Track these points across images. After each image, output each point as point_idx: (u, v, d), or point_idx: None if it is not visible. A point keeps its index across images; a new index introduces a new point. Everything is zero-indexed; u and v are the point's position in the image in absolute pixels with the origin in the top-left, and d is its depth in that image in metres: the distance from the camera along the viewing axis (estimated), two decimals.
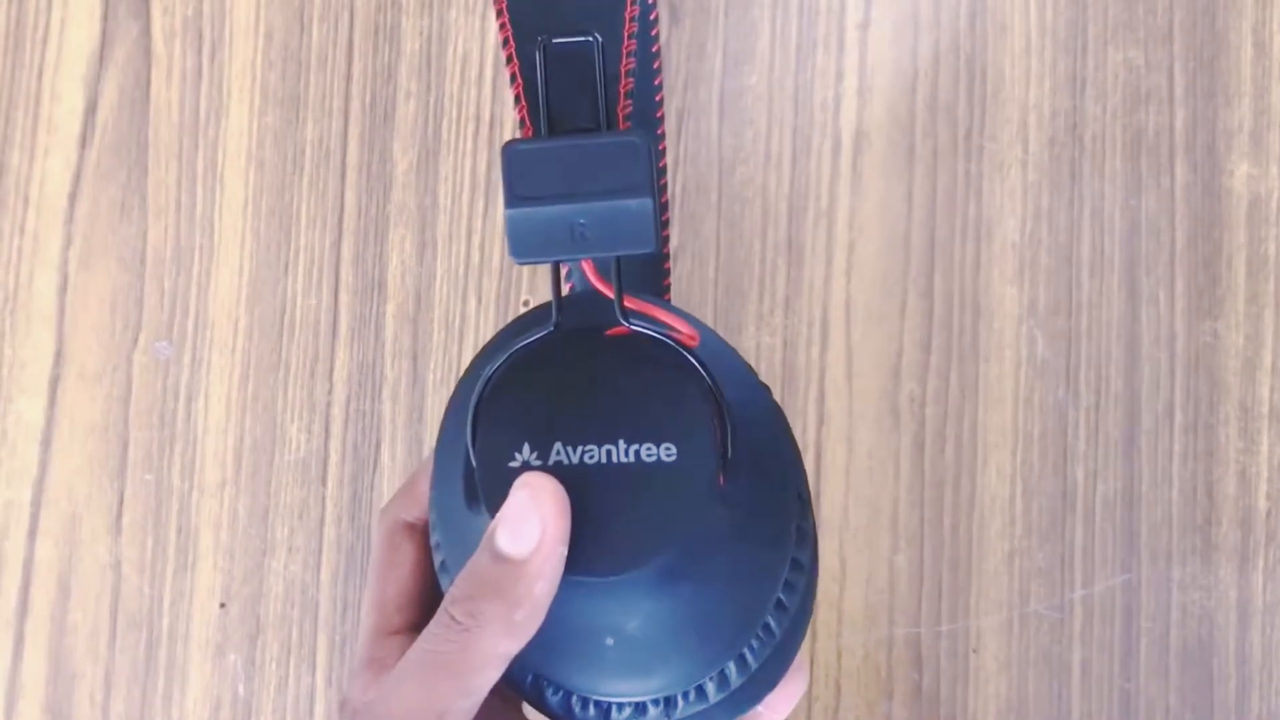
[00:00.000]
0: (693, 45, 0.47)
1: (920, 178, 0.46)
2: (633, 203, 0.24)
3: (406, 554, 0.31)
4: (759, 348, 0.46)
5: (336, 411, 0.46)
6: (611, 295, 0.26)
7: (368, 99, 0.47)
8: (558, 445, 0.25)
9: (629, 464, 0.25)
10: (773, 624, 0.26)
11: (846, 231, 0.46)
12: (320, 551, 0.45)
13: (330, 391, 0.46)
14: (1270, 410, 0.44)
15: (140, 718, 0.45)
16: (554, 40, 0.26)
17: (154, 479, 0.46)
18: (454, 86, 0.47)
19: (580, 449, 0.25)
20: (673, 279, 0.46)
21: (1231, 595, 0.44)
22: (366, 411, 0.46)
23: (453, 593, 0.26)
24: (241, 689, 0.45)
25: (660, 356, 0.26)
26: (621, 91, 0.26)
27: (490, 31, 0.47)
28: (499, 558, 0.25)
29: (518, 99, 0.26)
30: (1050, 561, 0.44)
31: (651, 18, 0.32)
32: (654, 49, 0.33)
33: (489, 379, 0.26)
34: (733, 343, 0.46)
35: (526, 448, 0.26)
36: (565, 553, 0.25)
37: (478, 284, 0.46)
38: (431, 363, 0.46)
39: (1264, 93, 0.46)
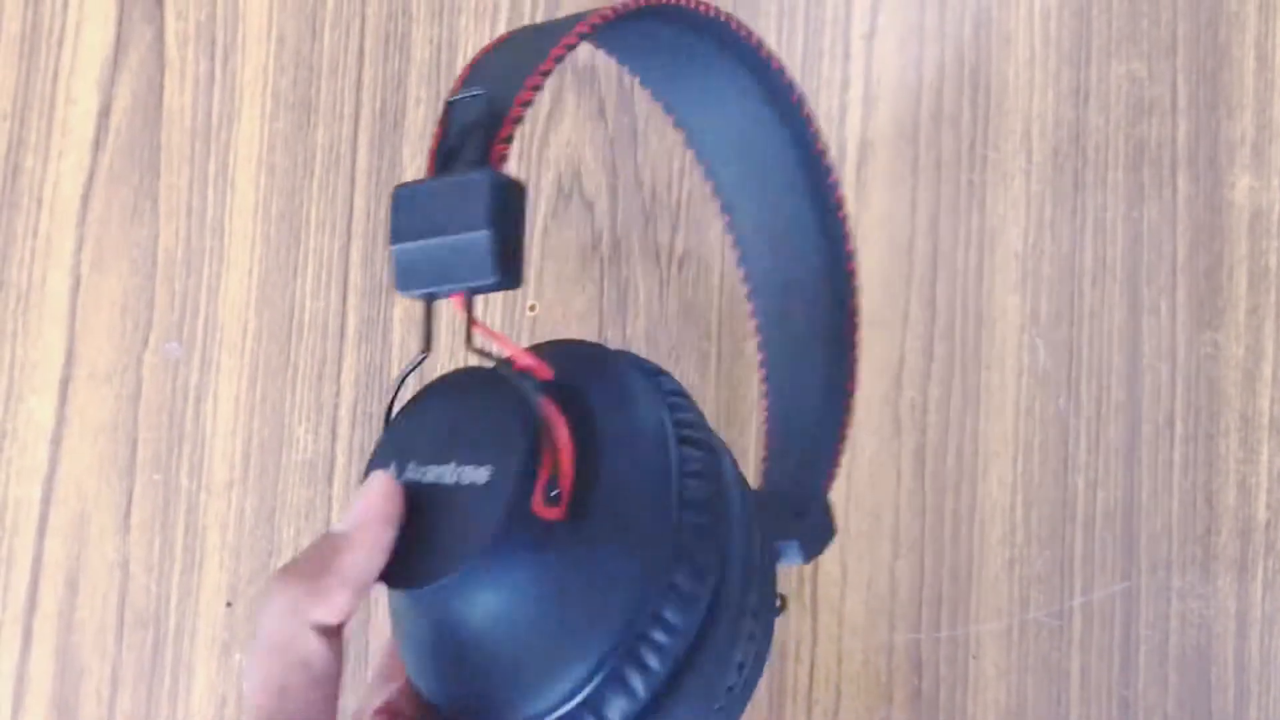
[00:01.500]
0: None
1: (924, 187, 0.46)
2: (474, 236, 0.26)
3: None
4: None
5: (344, 413, 0.46)
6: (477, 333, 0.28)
7: (378, 105, 0.48)
8: (411, 464, 0.28)
9: (453, 484, 0.27)
10: (657, 637, 0.27)
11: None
12: None
13: (338, 393, 0.47)
14: (1270, 421, 0.45)
15: (146, 714, 0.46)
16: (453, 98, 0.29)
17: (162, 478, 0.46)
18: None
19: (425, 469, 0.28)
20: (678, 284, 0.46)
21: (1230, 605, 0.44)
22: (373, 414, 0.46)
23: (297, 557, 0.28)
24: (246, 687, 0.45)
25: (502, 387, 0.28)
26: (500, 135, 0.28)
27: None
28: (328, 534, 0.27)
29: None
30: (1050, 569, 0.44)
31: (806, 115, 0.35)
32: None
33: (388, 409, 0.29)
34: (736, 350, 0.46)
35: (393, 466, 0.28)
36: (389, 535, 0.27)
37: None
38: (438, 367, 0.47)
39: (1266, 106, 0.46)
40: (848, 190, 0.47)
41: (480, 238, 0.26)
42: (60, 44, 0.49)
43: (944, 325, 0.46)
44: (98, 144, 0.48)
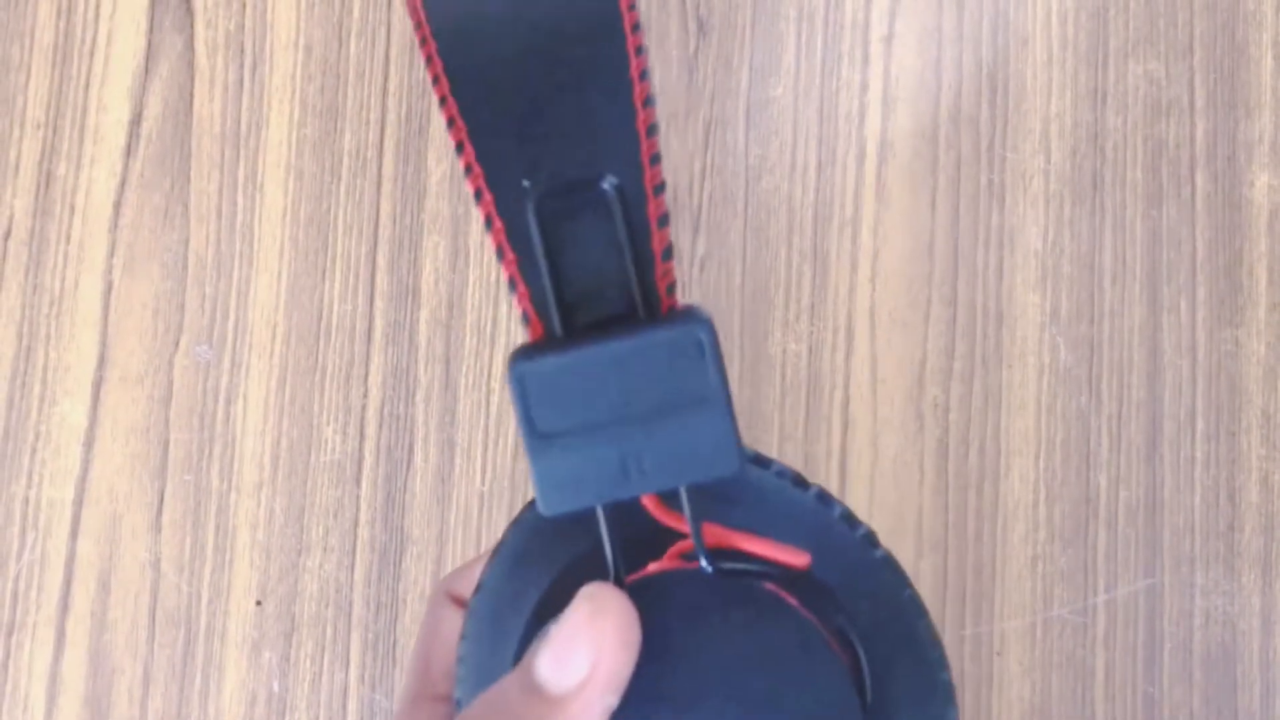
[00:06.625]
0: (720, 58, 0.48)
1: (943, 187, 0.47)
2: (703, 419, 0.18)
3: (453, 627, 0.28)
4: (784, 354, 0.46)
5: (371, 414, 0.47)
6: (683, 529, 0.20)
7: (403, 111, 0.48)
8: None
9: None
10: None
11: (871, 240, 0.47)
12: (354, 551, 0.46)
13: (365, 395, 0.47)
14: None
15: (178, 713, 0.46)
16: (550, 196, 0.19)
17: (193, 479, 0.47)
18: None
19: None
20: (700, 288, 0.47)
21: (1255, 601, 0.44)
22: (400, 415, 0.47)
23: (468, 716, 0.20)
24: (276, 685, 0.46)
25: (760, 602, 0.20)
26: (657, 251, 0.19)
27: None
28: (533, 688, 0.19)
29: (513, 283, 0.19)
30: (1073, 566, 0.44)
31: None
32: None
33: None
34: (757, 350, 0.46)
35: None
36: (613, 704, 0.18)
37: (509, 290, 0.47)
38: (464, 368, 0.47)
39: None
40: (868, 192, 0.47)
41: (713, 421, 0.18)
42: (92, 53, 0.50)
43: (965, 323, 0.46)
44: (129, 151, 0.49)
